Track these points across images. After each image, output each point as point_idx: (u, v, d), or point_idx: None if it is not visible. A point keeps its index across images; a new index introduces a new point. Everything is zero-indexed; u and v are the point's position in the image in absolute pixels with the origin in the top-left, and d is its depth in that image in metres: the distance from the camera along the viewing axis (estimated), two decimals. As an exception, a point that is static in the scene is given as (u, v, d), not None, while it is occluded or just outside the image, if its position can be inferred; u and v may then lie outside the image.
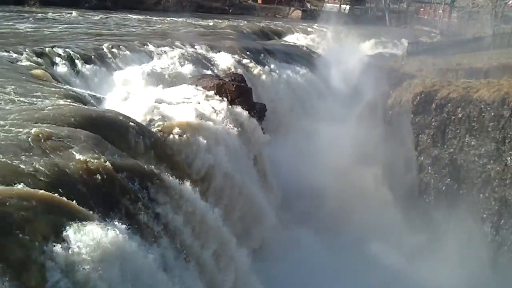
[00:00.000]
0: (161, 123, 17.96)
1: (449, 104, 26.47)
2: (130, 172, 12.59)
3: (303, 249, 24.95)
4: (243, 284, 16.99)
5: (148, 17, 52.88)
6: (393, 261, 25.58)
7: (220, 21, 56.91)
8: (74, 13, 47.49)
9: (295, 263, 23.08)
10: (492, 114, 23.81)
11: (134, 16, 52.66)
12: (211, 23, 54.00)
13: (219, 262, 15.28)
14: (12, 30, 32.87)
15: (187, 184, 14.62)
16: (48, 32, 33.50)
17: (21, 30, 33.19)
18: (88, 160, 11.86)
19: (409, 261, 25.80)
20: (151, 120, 17.98)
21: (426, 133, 27.92)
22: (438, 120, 27.09)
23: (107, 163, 12.12)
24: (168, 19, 52.74)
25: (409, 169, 29.64)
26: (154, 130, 17.22)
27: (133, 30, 41.27)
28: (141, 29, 42.24)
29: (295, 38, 52.91)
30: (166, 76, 26.35)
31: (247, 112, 23.84)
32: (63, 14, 47.03)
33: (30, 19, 40.65)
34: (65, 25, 38.63)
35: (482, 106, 24.48)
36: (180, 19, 53.13)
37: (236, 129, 21.70)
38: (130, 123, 16.16)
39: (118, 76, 24.53)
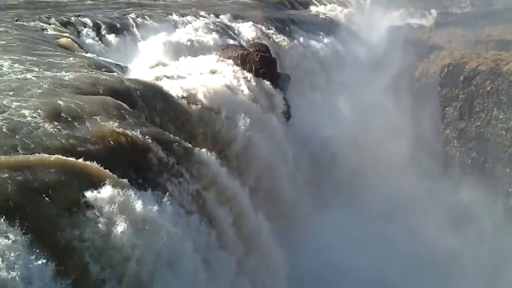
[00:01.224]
0: (186, 92, 18.00)
1: (477, 77, 26.00)
2: (155, 140, 12.64)
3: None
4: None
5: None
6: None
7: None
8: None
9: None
10: (521, 87, 23.40)
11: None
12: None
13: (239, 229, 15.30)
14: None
15: (208, 153, 14.61)
16: (89, 2, 33.36)
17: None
18: (114, 127, 11.98)
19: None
20: (176, 89, 18.02)
21: (453, 105, 27.53)
22: (466, 93, 26.66)
23: (133, 131, 12.22)
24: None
25: (435, 142, 29.34)
26: (179, 99, 17.27)
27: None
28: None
29: (320, 8, 52.15)
30: (190, 46, 26.34)
31: (271, 82, 23.80)
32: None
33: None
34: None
35: (512, 79, 24.02)
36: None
37: (260, 99, 21.72)
38: (156, 92, 16.26)
39: (143, 46, 24.57)
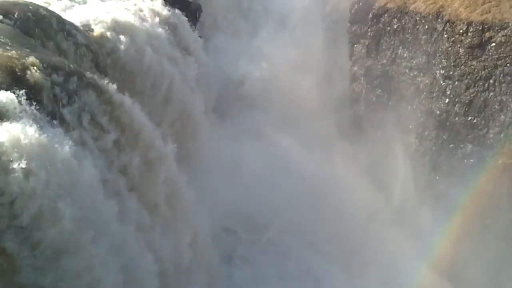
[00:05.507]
0: (87, 19, 17.02)
1: (385, 15, 26.35)
2: (54, 69, 11.80)
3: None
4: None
5: None
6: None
7: None
8: None
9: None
10: (426, 27, 23.90)
11: None
12: None
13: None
14: None
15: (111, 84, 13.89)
16: None
17: None
18: (8, 55, 11.06)
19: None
20: (74, 16, 16.99)
21: (361, 43, 27.91)
22: (374, 31, 27.04)
23: (30, 58, 11.30)
24: None
25: (343, 79, 29.89)
26: (79, 26, 16.31)
27: None
28: None
29: None
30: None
31: (181, 12, 23.04)
32: None
33: None
34: None
35: (417, 18, 24.45)
36: None
37: (167, 28, 21.01)
38: (54, 17, 15.23)
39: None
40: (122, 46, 17.16)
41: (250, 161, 25.39)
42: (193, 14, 25.21)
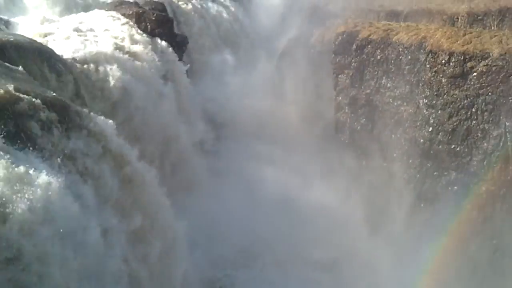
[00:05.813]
0: (78, 53, 17.13)
1: (369, 46, 26.84)
2: (44, 103, 11.77)
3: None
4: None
5: None
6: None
7: None
8: None
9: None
10: (409, 57, 24.40)
11: None
12: None
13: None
14: None
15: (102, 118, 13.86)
16: None
17: None
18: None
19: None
20: (68, 49, 17.11)
21: (345, 73, 28.32)
22: (358, 61, 27.49)
23: (19, 93, 11.30)
24: None
25: (328, 108, 30.22)
26: (71, 61, 16.42)
27: None
28: None
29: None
30: (81, 0, 25.16)
31: (168, 43, 23.30)
32: None
33: None
34: None
35: (400, 49, 24.98)
36: None
37: (155, 62, 21.21)
38: (45, 51, 15.33)
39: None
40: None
41: (246, 193, 25.46)
42: (180, 45, 25.47)
